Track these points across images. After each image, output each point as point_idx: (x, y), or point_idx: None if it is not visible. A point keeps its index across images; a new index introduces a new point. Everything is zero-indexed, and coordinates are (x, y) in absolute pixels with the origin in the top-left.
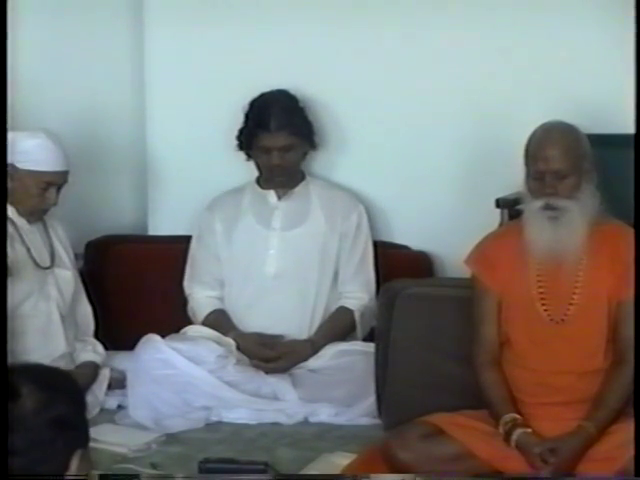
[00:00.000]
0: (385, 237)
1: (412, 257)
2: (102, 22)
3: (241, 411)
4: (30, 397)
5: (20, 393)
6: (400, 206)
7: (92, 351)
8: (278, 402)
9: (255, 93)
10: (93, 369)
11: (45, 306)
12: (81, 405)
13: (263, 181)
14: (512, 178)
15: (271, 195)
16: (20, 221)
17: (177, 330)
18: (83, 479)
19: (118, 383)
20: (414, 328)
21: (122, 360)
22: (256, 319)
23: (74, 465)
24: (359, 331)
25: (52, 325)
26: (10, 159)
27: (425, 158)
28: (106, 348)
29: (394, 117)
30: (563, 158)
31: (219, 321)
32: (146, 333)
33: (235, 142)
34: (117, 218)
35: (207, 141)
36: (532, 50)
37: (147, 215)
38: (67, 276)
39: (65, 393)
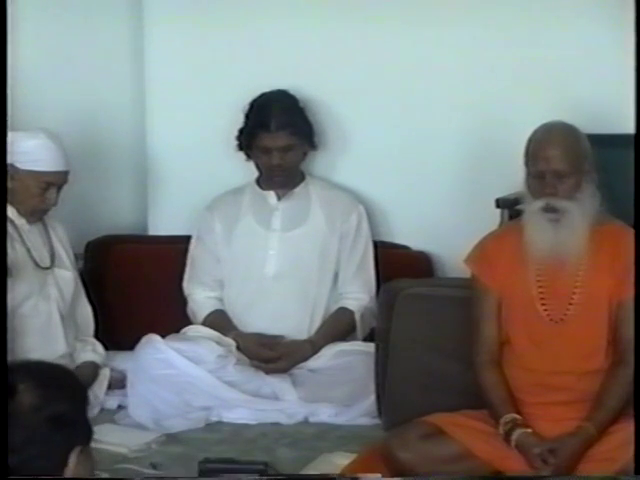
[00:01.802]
0: (385, 237)
1: (412, 257)
2: (102, 22)
3: (241, 411)
4: (27, 394)
5: (17, 390)
6: (400, 206)
7: (92, 351)
8: (278, 402)
9: (255, 93)
10: (93, 369)
11: (45, 306)
12: (81, 402)
13: (263, 181)
14: (512, 178)
15: (271, 196)
16: (20, 221)
17: (177, 330)
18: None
19: (118, 383)
20: (414, 328)
21: (122, 360)
22: (256, 320)
23: (72, 462)
24: (359, 331)
25: (52, 325)
26: (10, 159)
27: (425, 158)
28: (106, 348)
29: (394, 117)
30: (563, 158)
31: (219, 322)
32: (146, 333)
33: (235, 142)
34: (117, 218)
35: (207, 141)
36: (532, 50)
37: (147, 215)
38: (67, 276)
39: (64, 390)
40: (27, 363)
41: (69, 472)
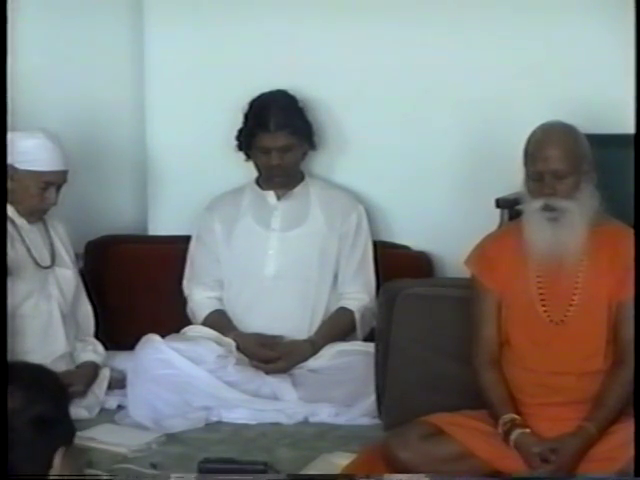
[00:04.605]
0: (385, 237)
1: (412, 257)
2: (102, 22)
3: (241, 411)
4: (9, 397)
5: None
6: (400, 206)
7: (92, 351)
8: (278, 402)
9: (255, 93)
10: (93, 369)
11: (46, 305)
12: (63, 402)
13: (262, 181)
14: (512, 178)
15: (270, 196)
16: (20, 221)
17: (177, 330)
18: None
19: (118, 383)
20: (414, 328)
21: (122, 360)
22: (256, 320)
23: (57, 463)
24: (359, 331)
25: (53, 325)
26: (9, 159)
27: (425, 158)
28: (106, 348)
29: (394, 117)
30: (562, 158)
31: (218, 322)
32: (146, 333)
33: (235, 142)
34: (117, 218)
35: (207, 141)
36: (532, 50)
37: (147, 215)
38: (68, 275)
39: (46, 392)
40: (8, 365)
41: (54, 474)
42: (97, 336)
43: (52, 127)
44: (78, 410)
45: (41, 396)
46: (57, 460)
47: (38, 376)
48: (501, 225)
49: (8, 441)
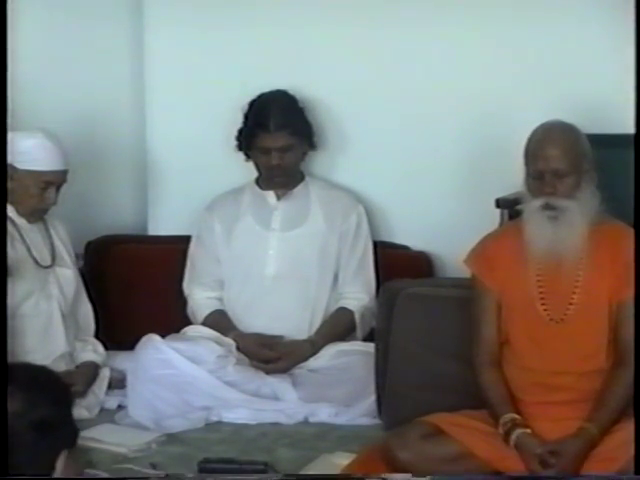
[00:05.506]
0: (385, 237)
1: (412, 257)
2: (102, 22)
3: (241, 411)
4: (11, 399)
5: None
6: (400, 206)
7: (92, 351)
8: (278, 402)
9: (254, 93)
10: (93, 369)
11: (46, 305)
12: (65, 405)
13: (262, 181)
14: (512, 178)
15: (270, 196)
16: (20, 221)
17: (177, 330)
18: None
19: (118, 383)
20: (414, 328)
21: (122, 360)
22: (256, 320)
23: (59, 466)
24: (359, 331)
25: (53, 324)
26: (9, 159)
27: (425, 158)
28: (106, 348)
29: (394, 117)
30: (562, 157)
31: (219, 322)
32: (146, 333)
33: (234, 142)
34: (117, 218)
35: (207, 141)
36: (532, 50)
37: (147, 215)
38: (68, 275)
39: (48, 394)
40: (10, 367)
41: (56, 476)
42: (97, 336)
43: (52, 127)
44: (78, 410)
45: (43, 399)
46: (60, 463)
47: (40, 378)
48: (501, 225)
49: (9, 444)
